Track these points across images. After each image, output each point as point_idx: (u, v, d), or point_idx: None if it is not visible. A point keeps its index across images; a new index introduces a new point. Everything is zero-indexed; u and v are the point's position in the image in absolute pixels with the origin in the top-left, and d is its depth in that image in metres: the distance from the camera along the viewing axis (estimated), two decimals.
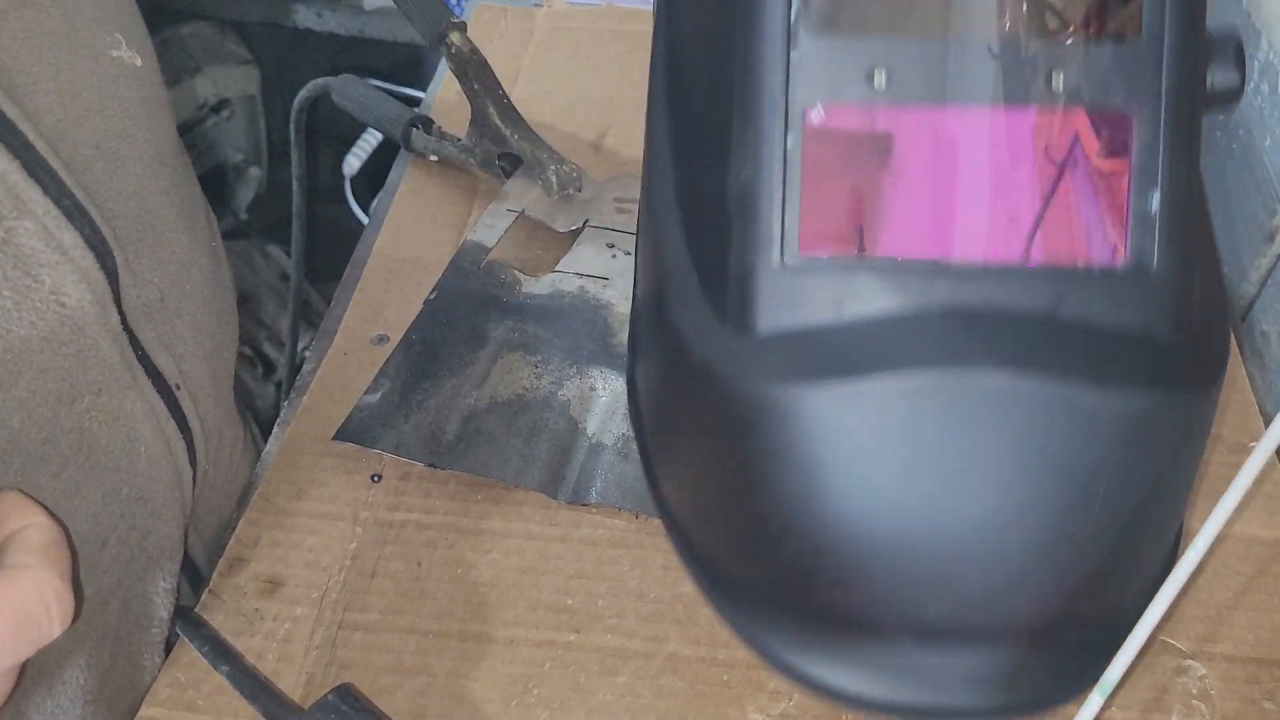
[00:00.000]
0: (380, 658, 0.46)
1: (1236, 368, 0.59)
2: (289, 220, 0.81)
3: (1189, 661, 0.46)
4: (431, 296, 0.61)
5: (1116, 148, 0.37)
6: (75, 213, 0.39)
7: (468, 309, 0.60)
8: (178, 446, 0.46)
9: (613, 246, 0.64)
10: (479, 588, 0.49)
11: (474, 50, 0.67)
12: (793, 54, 0.37)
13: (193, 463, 0.47)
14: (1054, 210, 0.37)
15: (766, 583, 0.43)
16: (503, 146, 0.67)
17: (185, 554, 0.49)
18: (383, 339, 0.60)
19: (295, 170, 0.79)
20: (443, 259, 0.63)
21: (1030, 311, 0.37)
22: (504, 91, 0.68)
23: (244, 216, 1.44)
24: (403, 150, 0.72)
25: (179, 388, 0.46)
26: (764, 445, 0.38)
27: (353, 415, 0.54)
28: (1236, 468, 0.53)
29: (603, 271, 0.62)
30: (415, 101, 0.81)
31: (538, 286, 0.62)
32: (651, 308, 0.44)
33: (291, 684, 0.45)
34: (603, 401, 0.56)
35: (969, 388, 0.35)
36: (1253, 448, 0.54)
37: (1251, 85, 0.68)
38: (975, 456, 0.36)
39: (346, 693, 0.42)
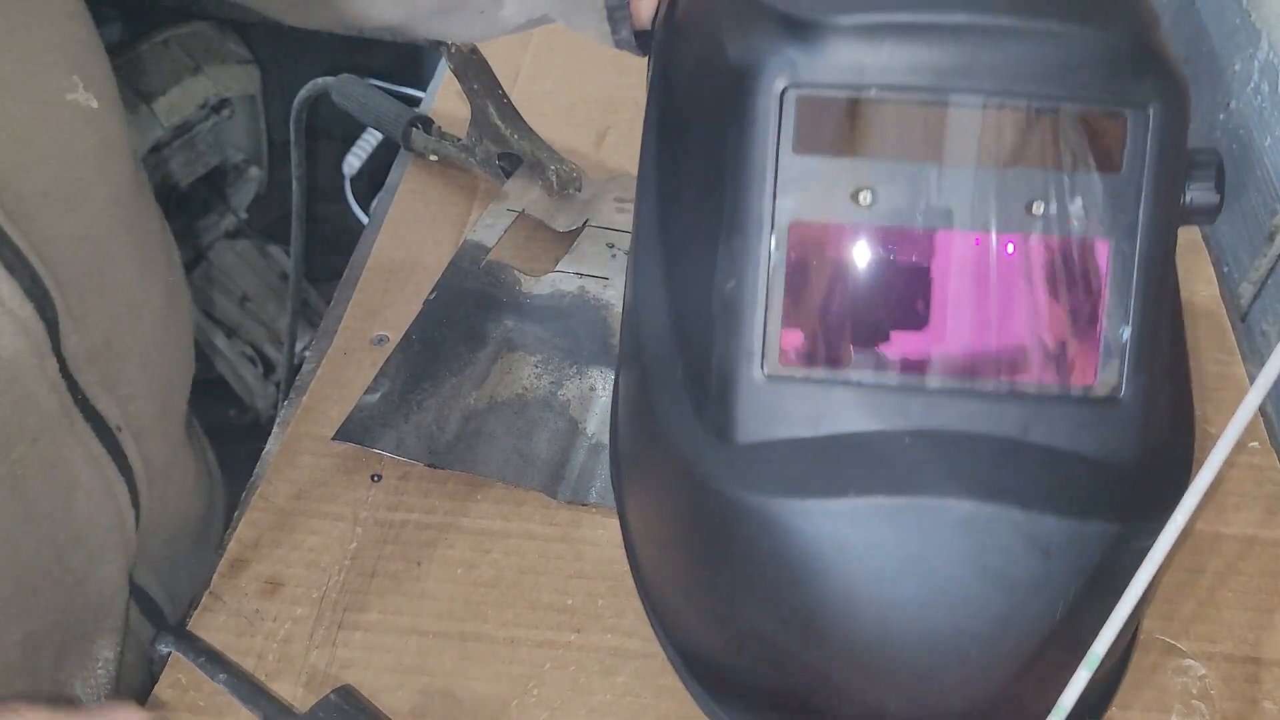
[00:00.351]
0: (380, 657, 0.46)
1: (1236, 367, 0.59)
2: (289, 220, 0.81)
3: (1189, 661, 0.46)
4: (431, 296, 0.61)
5: (1092, 277, 0.38)
6: (16, 264, 0.39)
7: (468, 309, 0.60)
8: (119, 489, 0.46)
9: (613, 246, 0.64)
10: (479, 587, 0.49)
11: (474, 50, 0.67)
12: (781, 170, 0.37)
13: (135, 504, 0.47)
14: (1028, 336, 0.38)
15: (732, 668, 0.43)
16: (503, 146, 0.67)
17: (137, 588, 0.49)
18: (382, 339, 0.60)
19: (295, 170, 0.79)
20: (443, 259, 0.63)
21: (999, 435, 0.37)
22: (504, 91, 0.68)
23: (244, 216, 1.44)
24: (403, 150, 0.72)
25: (120, 430, 0.45)
26: (734, 548, 0.39)
27: (352, 415, 0.54)
28: (1237, 467, 0.53)
29: (603, 271, 0.62)
30: (415, 101, 0.81)
31: (538, 286, 0.62)
32: (636, 381, 0.45)
33: (292, 683, 0.45)
34: (602, 401, 0.56)
35: (935, 511, 0.36)
36: (1254, 447, 0.54)
37: (1251, 85, 0.68)
38: (940, 574, 0.37)
39: (348, 694, 0.42)
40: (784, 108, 0.37)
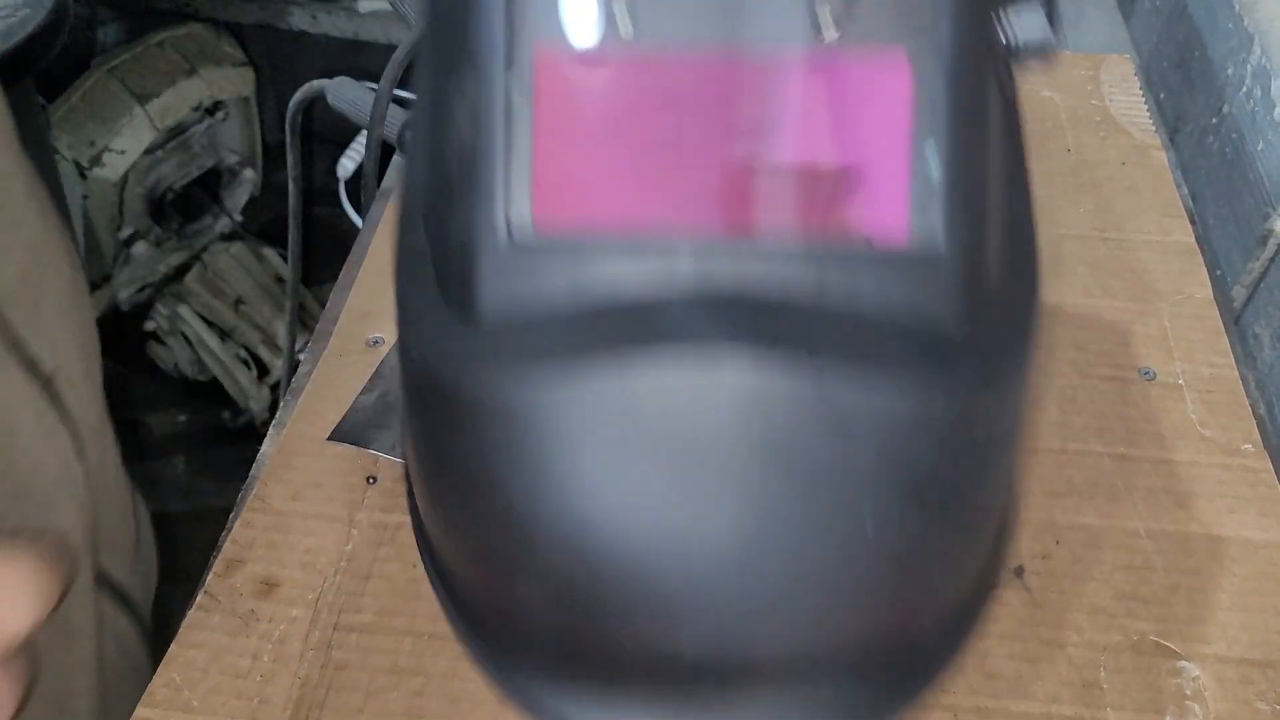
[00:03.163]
0: (376, 658, 0.46)
1: (1230, 370, 0.59)
2: (283, 222, 0.81)
3: (1182, 663, 0.46)
4: None
5: (893, 103, 0.31)
6: None
7: None
8: (61, 439, 0.43)
9: None
10: None
11: None
12: None
13: (81, 457, 0.45)
14: (822, 177, 0.31)
15: (509, 611, 0.37)
16: None
17: (104, 574, 0.47)
18: (377, 341, 0.60)
19: (291, 172, 0.79)
20: None
21: (790, 297, 0.31)
22: None
23: (238, 219, 1.44)
24: (397, 153, 0.72)
25: (54, 378, 0.43)
26: (485, 452, 0.33)
27: (348, 416, 0.54)
28: (1231, 470, 0.54)
29: None
30: (411, 104, 0.81)
31: None
32: (395, 280, 0.38)
33: (287, 685, 0.45)
34: None
35: (713, 387, 0.29)
36: (1248, 450, 0.54)
37: (1244, 90, 0.69)
38: (721, 467, 0.30)
39: None
40: None
